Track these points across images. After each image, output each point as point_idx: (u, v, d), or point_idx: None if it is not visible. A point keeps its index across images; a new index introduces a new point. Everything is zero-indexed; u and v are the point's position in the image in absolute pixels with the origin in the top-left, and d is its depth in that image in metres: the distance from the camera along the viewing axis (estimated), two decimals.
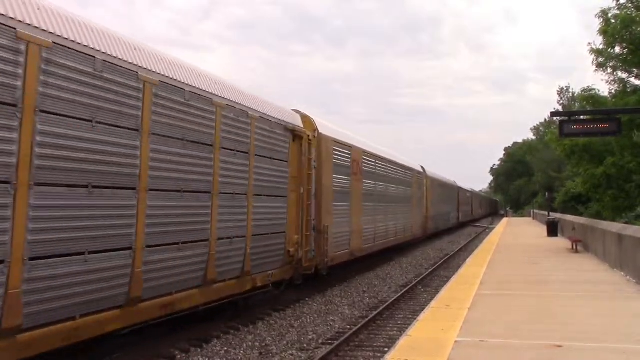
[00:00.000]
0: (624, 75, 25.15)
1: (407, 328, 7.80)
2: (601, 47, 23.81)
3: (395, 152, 26.20)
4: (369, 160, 18.71)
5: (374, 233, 18.94)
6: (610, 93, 25.67)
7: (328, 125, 15.21)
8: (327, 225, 13.88)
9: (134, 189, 7.26)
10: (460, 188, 50.33)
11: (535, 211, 56.88)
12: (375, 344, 9.47)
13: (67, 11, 6.61)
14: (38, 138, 5.92)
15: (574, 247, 18.44)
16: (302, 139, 12.75)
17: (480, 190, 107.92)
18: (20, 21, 5.78)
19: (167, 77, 8.04)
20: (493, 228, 43.34)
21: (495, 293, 9.77)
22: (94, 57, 6.69)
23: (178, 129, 8.20)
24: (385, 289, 15.39)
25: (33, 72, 5.87)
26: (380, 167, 20.27)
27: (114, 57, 7.04)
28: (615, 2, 23.33)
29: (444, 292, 9.76)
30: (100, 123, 6.74)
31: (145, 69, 7.61)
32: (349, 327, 10.58)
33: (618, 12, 23.01)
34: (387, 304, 12.59)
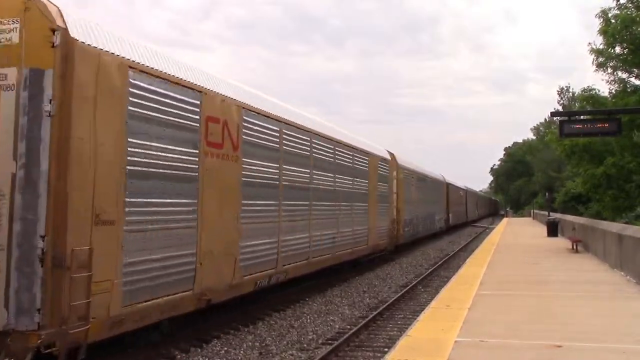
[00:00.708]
0: (624, 75, 25.21)
1: (407, 328, 7.80)
2: (601, 47, 23.86)
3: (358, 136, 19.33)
4: (262, 127, 10.72)
5: (273, 251, 11.07)
6: (610, 93, 25.71)
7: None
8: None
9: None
10: (449, 184, 42.72)
11: (535, 211, 56.89)
12: (375, 344, 9.47)
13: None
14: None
15: (574, 247, 18.44)
16: None
17: (481, 190, 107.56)
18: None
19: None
20: (493, 228, 43.33)
21: (495, 293, 9.77)
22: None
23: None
24: (385, 289, 15.39)
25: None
26: (292, 142, 12.23)
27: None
28: (615, 2, 23.37)
29: (444, 292, 9.76)
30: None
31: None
32: (349, 327, 10.58)
33: (618, 12, 23.04)
34: (387, 304, 12.58)
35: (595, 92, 24.97)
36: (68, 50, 6.09)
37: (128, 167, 6.93)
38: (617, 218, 24.04)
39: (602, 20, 23.17)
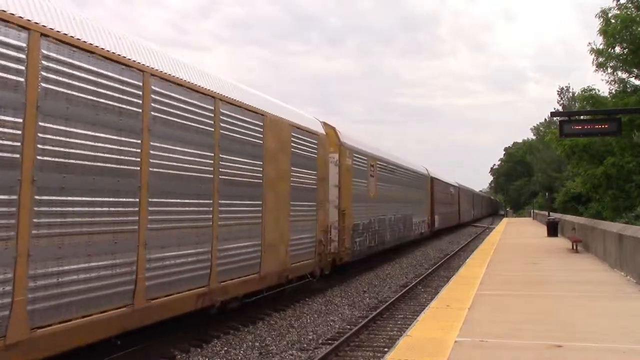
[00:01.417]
0: (624, 75, 25.21)
1: (407, 328, 7.80)
2: (601, 47, 23.85)
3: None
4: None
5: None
6: (610, 93, 25.72)
7: None
8: None
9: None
10: (435, 179, 34.55)
11: (535, 211, 56.88)
12: (375, 344, 9.47)
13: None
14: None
15: (574, 247, 18.44)
16: None
17: (481, 190, 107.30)
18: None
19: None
20: (493, 228, 43.33)
21: (495, 293, 9.77)
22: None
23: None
24: (385, 289, 15.39)
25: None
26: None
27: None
28: (615, 2, 23.37)
29: (444, 292, 9.76)
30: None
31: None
32: (349, 327, 10.58)
33: (618, 12, 23.03)
34: (387, 304, 12.59)
35: (595, 92, 24.97)
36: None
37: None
38: (617, 218, 24.02)
39: (602, 20, 23.16)
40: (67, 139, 6.28)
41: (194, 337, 9.21)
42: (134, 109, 7.35)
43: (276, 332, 10.14)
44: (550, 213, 35.58)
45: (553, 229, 26.00)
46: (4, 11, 5.58)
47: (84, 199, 6.49)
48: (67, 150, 6.27)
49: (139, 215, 7.36)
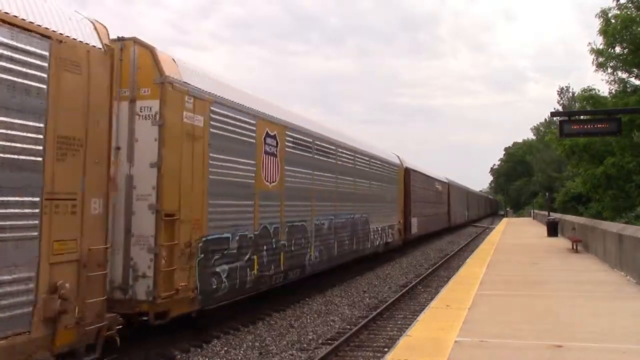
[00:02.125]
0: (624, 75, 25.22)
1: (407, 328, 7.80)
2: (601, 47, 23.86)
3: None
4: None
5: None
6: (610, 93, 25.73)
7: None
8: None
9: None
10: (413, 171, 26.71)
11: (535, 211, 56.85)
12: (375, 344, 9.47)
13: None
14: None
15: (574, 247, 18.43)
16: None
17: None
18: None
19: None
20: (493, 228, 43.32)
21: (495, 293, 9.77)
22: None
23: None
24: (385, 289, 15.39)
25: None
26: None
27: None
28: (615, 2, 23.37)
29: (444, 292, 9.76)
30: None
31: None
32: (349, 327, 10.58)
33: (618, 12, 23.03)
34: (387, 304, 12.59)
35: (595, 92, 24.97)
36: None
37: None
38: (617, 218, 24.01)
39: (602, 20, 23.17)
40: None
41: (194, 337, 9.21)
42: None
43: (276, 332, 10.14)
44: (550, 213, 35.57)
45: (553, 229, 26.00)
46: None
47: None
48: None
49: None
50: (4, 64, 5.35)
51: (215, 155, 9.09)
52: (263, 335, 9.85)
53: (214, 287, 8.96)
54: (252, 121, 10.42)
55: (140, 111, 8.00)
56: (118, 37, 8.00)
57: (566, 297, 9.42)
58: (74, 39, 6.17)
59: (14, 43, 5.47)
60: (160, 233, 7.79)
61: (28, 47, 5.60)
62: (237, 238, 9.72)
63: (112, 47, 6.81)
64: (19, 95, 5.45)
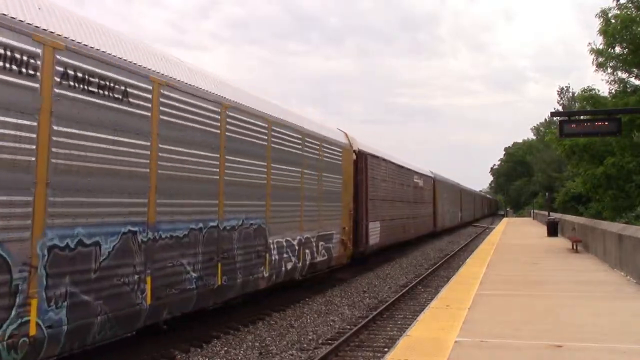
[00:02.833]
0: (624, 75, 25.23)
1: (407, 328, 7.80)
2: (601, 47, 23.87)
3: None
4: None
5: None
6: (610, 93, 25.74)
7: None
8: None
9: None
10: (368, 156, 18.81)
11: (535, 211, 56.85)
12: (375, 344, 9.47)
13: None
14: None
15: (574, 247, 18.44)
16: None
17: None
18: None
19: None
20: (493, 228, 43.33)
21: (495, 293, 9.77)
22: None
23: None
24: (385, 289, 15.39)
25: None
26: None
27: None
28: (615, 2, 23.38)
29: (444, 292, 9.76)
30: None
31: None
32: (349, 327, 10.58)
33: (618, 12, 23.04)
34: (387, 304, 12.59)
35: (595, 92, 24.98)
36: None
37: None
38: (617, 218, 24.03)
39: (602, 20, 23.18)
40: None
41: (194, 337, 9.21)
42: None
43: (276, 332, 10.13)
44: (550, 213, 35.57)
45: (553, 229, 26.00)
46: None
47: None
48: None
49: None
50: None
51: None
52: (263, 335, 9.85)
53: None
54: None
55: None
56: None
57: (566, 297, 9.42)
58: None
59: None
60: None
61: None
62: None
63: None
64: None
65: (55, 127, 6.08)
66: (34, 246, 5.74)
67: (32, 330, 5.67)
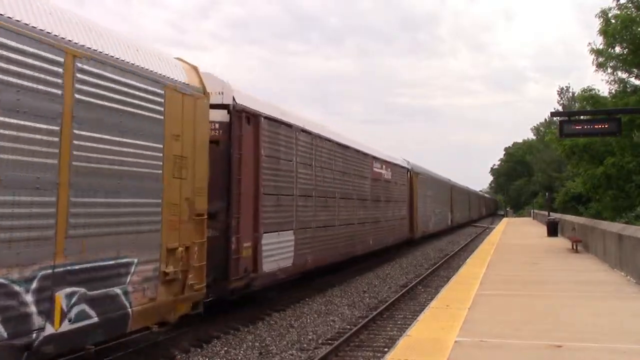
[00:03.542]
0: (624, 75, 25.23)
1: (407, 328, 7.80)
2: (601, 47, 23.87)
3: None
4: None
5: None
6: (610, 93, 25.73)
7: None
8: None
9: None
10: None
11: (535, 211, 56.83)
12: (375, 344, 9.47)
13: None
14: None
15: (574, 247, 18.43)
16: None
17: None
18: None
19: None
20: (493, 228, 43.34)
21: (495, 293, 9.77)
22: None
23: None
24: (385, 289, 15.39)
25: None
26: None
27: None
28: (615, 2, 23.38)
29: (444, 292, 9.76)
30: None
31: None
32: (349, 327, 10.58)
33: (618, 12, 23.04)
34: (387, 304, 12.59)
35: (595, 92, 24.98)
36: None
37: None
38: (617, 218, 24.03)
39: (602, 20, 23.17)
40: None
41: (194, 337, 9.21)
42: None
43: (276, 332, 10.13)
44: (550, 213, 35.56)
45: (553, 229, 26.00)
46: None
47: None
48: None
49: None
50: None
51: None
52: (263, 335, 9.85)
53: None
54: None
55: None
56: None
57: (566, 297, 9.42)
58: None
59: None
60: None
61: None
62: None
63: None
64: None
65: None
66: None
67: None
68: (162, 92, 7.61)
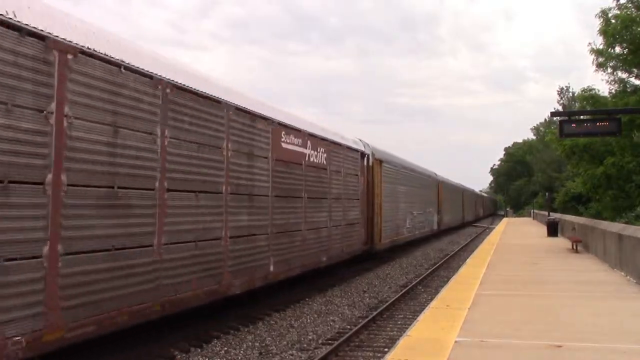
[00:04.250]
0: (624, 75, 25.26)
1: (407, 328, 7.80)
2: (601, 47, 23.89)
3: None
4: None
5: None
6: (610, 93, 25.76)
7: None
8: None
9: None
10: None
11: (535, 211, 56.83)
12: (375, 344, 9.47)
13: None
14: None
15: (574, 247, 18.44)
16: None
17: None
18: None
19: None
20: (493, 228, 43.34)
21: (495, 293, 9.77)
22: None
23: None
24: (385, 289, 15.39)
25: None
26: None
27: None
28: (615, 2, 23.40)
29: (444, 292, 9.76)
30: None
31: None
32: (349, 327, 10.58)
33: (618, 12, 23.06)
34: (387, 304, 12.58)
35: (595, 92, 25.00)
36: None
37: None
38: (617, 218, 24.03)
39: (602, 20, 23.19)
40: None
41: (194, 337, 9.21)
42: None
43: (276, 332, 10.13)
44: (550, 213, 35.57)
45: (553, 229, 26.00)
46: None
47: None
48: None
49: None
50: None
51: None
52: (263, 335, 9.85)
53: None
54: None
55: None
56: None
57: (566, 297, 9.42)
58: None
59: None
60: None
61: None
62: None
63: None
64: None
65: None
66: None
67: None
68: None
